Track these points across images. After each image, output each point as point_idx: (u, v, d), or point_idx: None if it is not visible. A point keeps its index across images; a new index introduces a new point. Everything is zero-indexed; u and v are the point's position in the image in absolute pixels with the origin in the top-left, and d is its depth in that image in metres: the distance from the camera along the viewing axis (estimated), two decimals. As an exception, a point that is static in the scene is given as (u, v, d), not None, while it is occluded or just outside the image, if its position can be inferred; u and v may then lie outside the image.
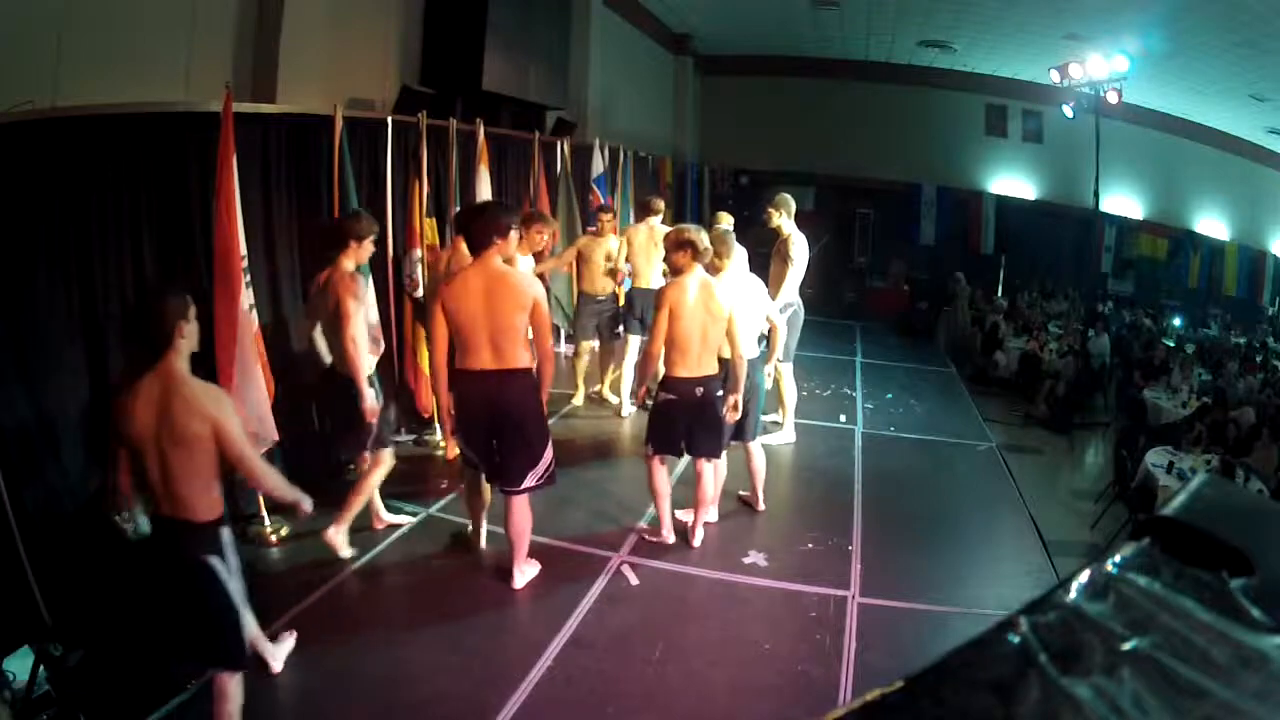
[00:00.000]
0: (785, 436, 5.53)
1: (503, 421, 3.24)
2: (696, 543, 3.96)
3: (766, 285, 4.38)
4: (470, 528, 3.83)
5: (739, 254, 4.06)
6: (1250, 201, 11.58)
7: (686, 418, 3.70)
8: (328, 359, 3.62)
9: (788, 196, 5.38)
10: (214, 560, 2.28)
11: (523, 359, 3.23)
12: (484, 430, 3.28)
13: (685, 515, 4.07)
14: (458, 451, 3.79)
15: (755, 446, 4.25)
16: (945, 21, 9.30)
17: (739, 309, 3.73)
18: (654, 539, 3.97)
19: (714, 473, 3.94)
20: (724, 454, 4.02)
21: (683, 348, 3.60)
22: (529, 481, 3.33)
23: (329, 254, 3.47)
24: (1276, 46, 7.19)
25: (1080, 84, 7.90)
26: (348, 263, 3.43)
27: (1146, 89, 9.24)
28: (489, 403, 3.21)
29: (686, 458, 4.02)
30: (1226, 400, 6.50)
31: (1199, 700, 0.44)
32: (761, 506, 4.40)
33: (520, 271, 3.39)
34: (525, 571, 3.53)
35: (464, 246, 3.53)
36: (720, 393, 3.73)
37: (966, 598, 3.63)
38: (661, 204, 5.91)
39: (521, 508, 3.37)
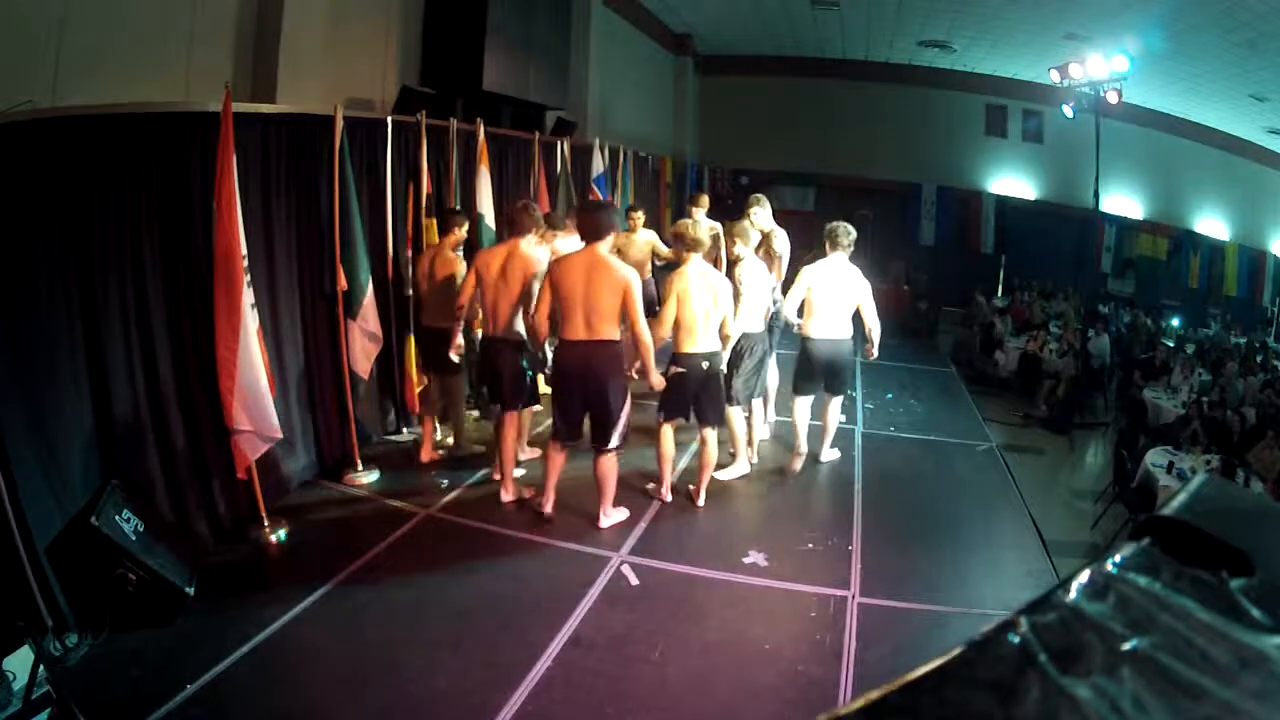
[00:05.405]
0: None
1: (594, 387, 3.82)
2: (700, 502, 4.42)
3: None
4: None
5: (751, 240, 4.70)
6: (1250, 201, 11.57)
7: (694, 387, 4.19)
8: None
9: (759, 195, 5.46)
10: None
11: (611, 333, 3.79)
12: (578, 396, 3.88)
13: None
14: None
15: (737, 411, 4.73)
16: (945, 21, 9.30)
17: (745, 294, 4.47)
18: (655, 496, 4.44)
19: (716, 438, 4.41)
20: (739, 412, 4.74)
21: (689, 328, 4.09)
22: (614, 441, 3.89)
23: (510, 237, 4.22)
24: (1276, 46, 7.18)
25: (1080, 84, 7.86)
26: (524, 244, 4.14)
27: (1146, 89, 9.24)
28: (582, 370, 3.78)
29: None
30: (1225, 400, 6.50)
31: (1199, 700, 0.44)
32: (744, 469, 4.88)
33: (619, 261, 3.89)
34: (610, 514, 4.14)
35: (446, 246, 4.41)
36: (724, 366, 4.32)
37: (966, 598, 3.64)
38: (704, 199, 6.09)
39: (608, 462, 3.98)
